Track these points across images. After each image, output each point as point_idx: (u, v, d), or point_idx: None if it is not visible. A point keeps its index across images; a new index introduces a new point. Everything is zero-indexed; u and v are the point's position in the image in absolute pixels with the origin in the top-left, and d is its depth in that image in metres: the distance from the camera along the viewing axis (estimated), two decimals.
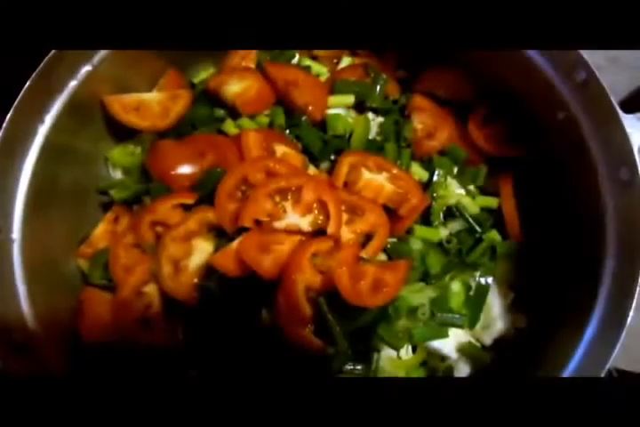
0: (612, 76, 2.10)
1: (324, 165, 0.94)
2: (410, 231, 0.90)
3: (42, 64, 0.78)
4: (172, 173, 0.89)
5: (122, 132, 0.98)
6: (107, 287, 0.92)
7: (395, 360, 0.88)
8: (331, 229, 0.81)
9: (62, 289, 0.89)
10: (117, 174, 1.01)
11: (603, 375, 0.72)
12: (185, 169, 0.90)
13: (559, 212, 0.90)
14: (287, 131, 0.95)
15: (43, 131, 0.83)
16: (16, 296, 0.79)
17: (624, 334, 0.71)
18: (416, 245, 0.89)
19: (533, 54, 0.83)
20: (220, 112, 0.97)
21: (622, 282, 0.74)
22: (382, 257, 0.89)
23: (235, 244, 0.82)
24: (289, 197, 0.83)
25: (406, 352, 0.90)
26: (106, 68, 0.87)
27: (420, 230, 0.90)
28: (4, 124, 0.76)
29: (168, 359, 0.89)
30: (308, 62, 1.03)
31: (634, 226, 0.73)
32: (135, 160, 0.98)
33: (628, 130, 0.74)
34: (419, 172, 0.94)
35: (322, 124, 0.96)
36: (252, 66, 1.01)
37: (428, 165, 0.96)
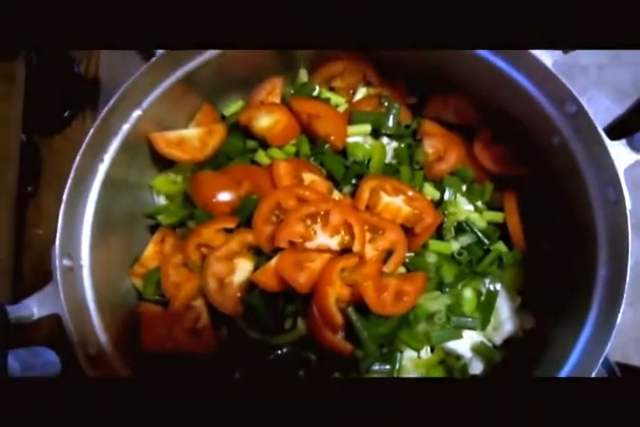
0: (613, 74, 2.20)
1: (347, 188, 1.05)
2: (425, 246, 1.01)
3: (101, 114, 0.90)
4: (214, 200, 1.01)
5: (163, 162, 1.11)
6: (159, 302, 1.04)
7: (416, 360, 1.00)
8: (356, 248, 0.93)
9: (121, 305, 1.02)
10: (161, 200, 1.14)
11: (597, 369, 0.82)
12: (224, 197, 1.02)
13: (558, 225, 1.01)
14: (312, 158, 1.07)
15: (103, 168, 0.95)
16: (89, 314, 0.91)
17: (614, 333, 0.83)
18: (431, 258, 1.01)
19: (529, 87, 0.93)
20: (252, 143, 1.10)
21: (612, 288, 0.84)
22: (402, 270, 1.00)
23: (273, 262, 0.93)
24: (318, 221, 0.94)
25: (426, 353, 1.01)
26: (152, 110, 0.99)
27: (435, 245, 1.01)
28: (74, 167, 0.88)
29: (215, 364, 1.02)
30: (327, 94, 1.14)
31: (621, 239, 0.83)
32: (177, 188, 1.11)
33: (614, 155, 0.85)
34: (431, 191, 1.05)
35: (343, 152, 1.08)
36: (278, 100, 1.12)
37: (440, 185, 1.07)
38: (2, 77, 1.39)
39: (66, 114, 1.60)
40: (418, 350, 0.99)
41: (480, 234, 1.04)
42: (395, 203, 0.99)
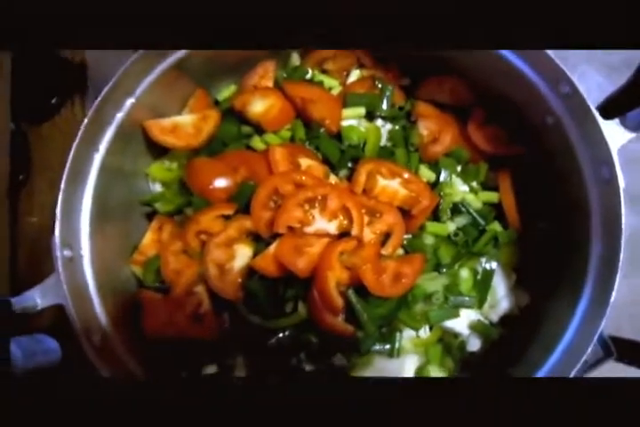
0: (604, 53, 2.19)
1: (343, 172, 1.06)
2: (422, 228, 1.03)
3: (95, 104, 0.90)
4: (210, 187, 1.01)
5: (158, 150, 1.11)
6: (159, 289, 1.05)
7: (415, 339, 1.02)
8: (354, 231, 0.94)
9: (122, 293, 1.03)
10: (156, 187, 1.14)
11: (593, 345, 0.84)
12: (221, 183, 1.02)
13: (552, 204, 1.03)
14: (307, 142, 1.07)
15: (98, 158, 0.95)
16: (91, 304, 0.92)
17: (609, 308, 0.84)
18: (428, 239, 1.02)
19: (524, 68, 0.94)
20: (247, 129, 1.10)
21: (607, 264, 0.86)
22: (400, 252, 1.02)
23: (272, 248, 0.94)
24: (316, 206, 0.95)
25: (424, 332, 1.03)
26: (145, 98, 0.98)
27: (431, 226, 1.03)
28: (69, 157, 0.88)
29: (218, 348, 1.04)
30: (320, 77, 1.14)
31: (614, 217, 0.85)
32: (172, 175, 1.11)
33: (608, 135, 0.86)
34: (426, 173, 1.06)
35: (338, 135, 1.08)
36: (270, 84, 1.12)
37: (435, 166, 1.07)
38: None
39: (53, 101, 1.59)
40: (417, 330, 1.01)
41: (475, 214, 1.05)
42: (391, 186, 1.00)
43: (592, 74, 1.48)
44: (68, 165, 0.89)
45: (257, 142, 1.08)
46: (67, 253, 0.90)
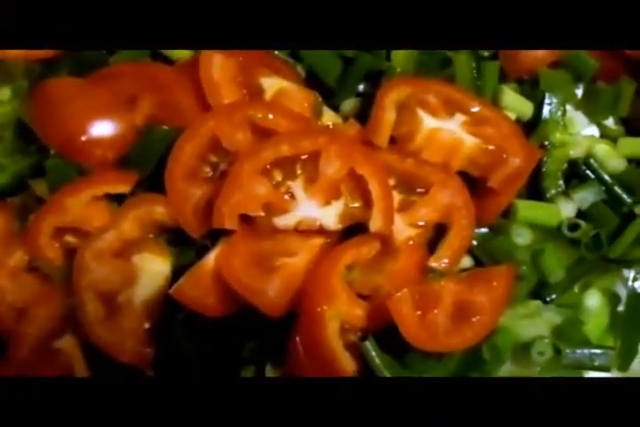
0: None
1: (349, 104, 1.02)
2: (508, 213, 0.99)
3: None
4: (83, 138, 0.97)
5: None
6: None
7: None
8: (375, 224, 0.89)
9: None
10: None
11: None
12: (104, 129, 0.98)
13: None
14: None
15: None
16: None
17: None
18: (521, 236, 0.98)
19: None
20: None
21: None
22: (466, 263, 0.97)
23: (210, 259, 0.90)
24: (298, 173, 0.90)
25: None
26: None
27: (526, 209, 0.99)
28: None
29: None
30: None
31: None
32: (4, 112, 1.07)
33: None
34: (516, 103, 1.02)
35: None
36: None
37: (531, 88, 1.03)
38: None
39: None
40: None
41: (613, 183, 1.02)
42: (447, 130, 0.96)
43: None
44: None
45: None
46: None
